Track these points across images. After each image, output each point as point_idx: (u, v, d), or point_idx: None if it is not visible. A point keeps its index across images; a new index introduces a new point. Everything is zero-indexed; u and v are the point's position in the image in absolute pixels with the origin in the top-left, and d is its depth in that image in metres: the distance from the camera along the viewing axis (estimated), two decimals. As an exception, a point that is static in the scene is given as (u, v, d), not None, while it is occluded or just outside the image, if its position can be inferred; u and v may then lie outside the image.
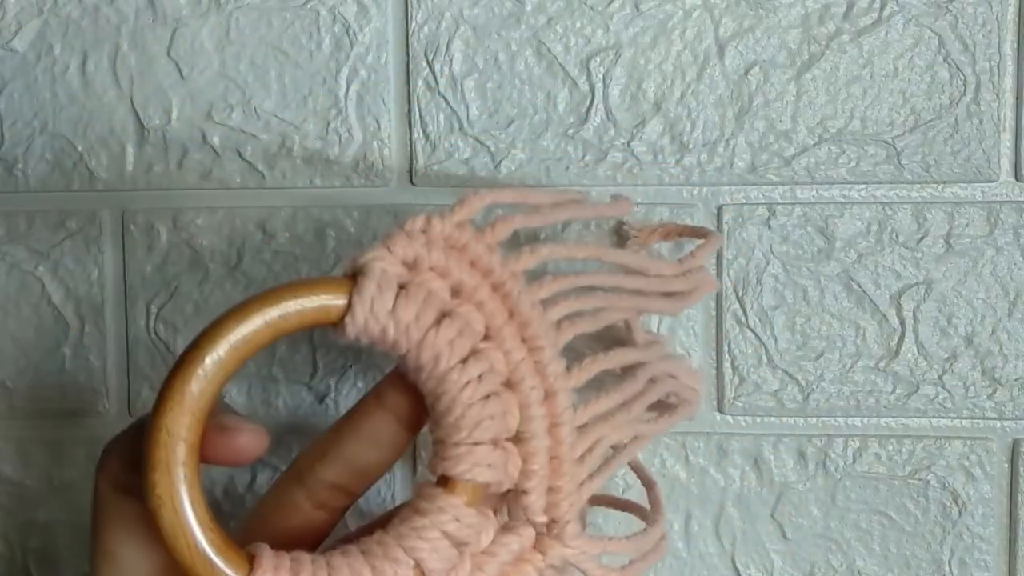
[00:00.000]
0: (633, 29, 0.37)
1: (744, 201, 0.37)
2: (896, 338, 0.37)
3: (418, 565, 0.27)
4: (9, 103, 0.38)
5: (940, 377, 0.37)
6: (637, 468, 0.36)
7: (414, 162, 0.38)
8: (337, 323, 0.26)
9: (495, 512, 0.29)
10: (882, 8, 0.36)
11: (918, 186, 0.37)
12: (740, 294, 0.37)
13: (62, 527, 0.40)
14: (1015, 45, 0.36)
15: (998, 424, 0.37)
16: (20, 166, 0.39)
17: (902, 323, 0.37)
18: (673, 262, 0.34)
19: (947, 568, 0.38)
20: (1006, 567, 0.38)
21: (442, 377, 0.27)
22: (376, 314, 0.26)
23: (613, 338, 0.35)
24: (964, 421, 0.37)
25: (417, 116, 0.37)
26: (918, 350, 0.37)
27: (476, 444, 0.27)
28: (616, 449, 0.32)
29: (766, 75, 0.37)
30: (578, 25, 0.37)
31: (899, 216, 0.37)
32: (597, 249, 0.32)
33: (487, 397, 0.27)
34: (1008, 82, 0.36)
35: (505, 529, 0.28)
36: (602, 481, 0.30)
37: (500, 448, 0.28)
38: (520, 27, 0.37)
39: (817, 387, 0.38)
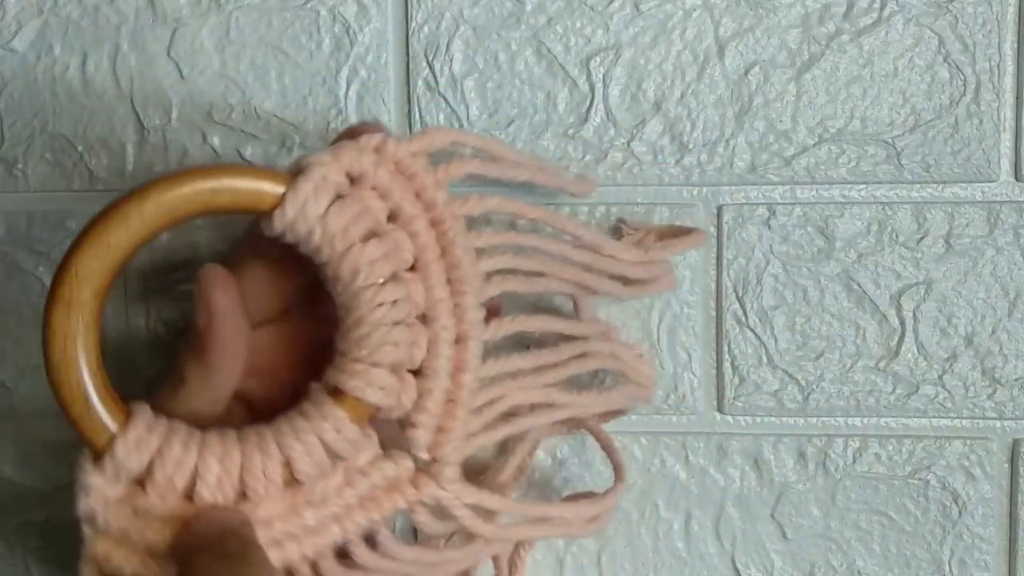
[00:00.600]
0: (633, 29, 0.37)
1: (744, 201, 0.37)
2: (896, 338, 0.37)
3: (288, 463, 0.27)
4: (9, 103, 0.38)
5: (940, 377, 0.37)
6: (608, 449, 0.35)
7: (414, 162, 0.38)
8: (267, 213, 0.27)
9: (384, 443, 0.29)
10: (882, 8, 0.36)
11: (918, 186, 0.37)
12: (740, 294, 0.37)
13: (62, 527, 0.40)
14: (1015, 45, 0.36)
15: (998, 424, 0.37)
16: (20, 166, 0.39)
17: (902, 323, 0.37)
18: (636, 249, 0.34)
19: (947, 568, 0.38)
20: (1006, 567, 0.38)
21: (357, 293, 0.27)
22: (306, 214, 0.26)
23: (556, 313, 0.35)
24: (964, 421, 0.37)
25: (417, 116, 0.37)
26: (918, 350, 0.37)
27: (374, 365, 0.27)
28: (520, 411, 0.32)
29: (766, 75, 0.37)
30: (578, 25, 0.37)
31: (899, 216, 0.37)
32: (550, 213, 0.32)
33: (397, 324, 0.27)
34: (1008, 82, 0.36)
35: (386, 456, 0.29)
36: (497, 437, 0.31)
37: (398, 376, 0.28)
38: (520, 27, 0.37)
39: (817, 387, 0.38)
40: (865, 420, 0.38)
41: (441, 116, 0.37)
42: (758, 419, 0.38)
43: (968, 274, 0.37)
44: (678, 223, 0.37)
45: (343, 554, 0.29)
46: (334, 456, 0.27)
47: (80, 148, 0.38)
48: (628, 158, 0.37)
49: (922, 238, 0.37)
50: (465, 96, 0.37)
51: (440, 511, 0.30)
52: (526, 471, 0.37)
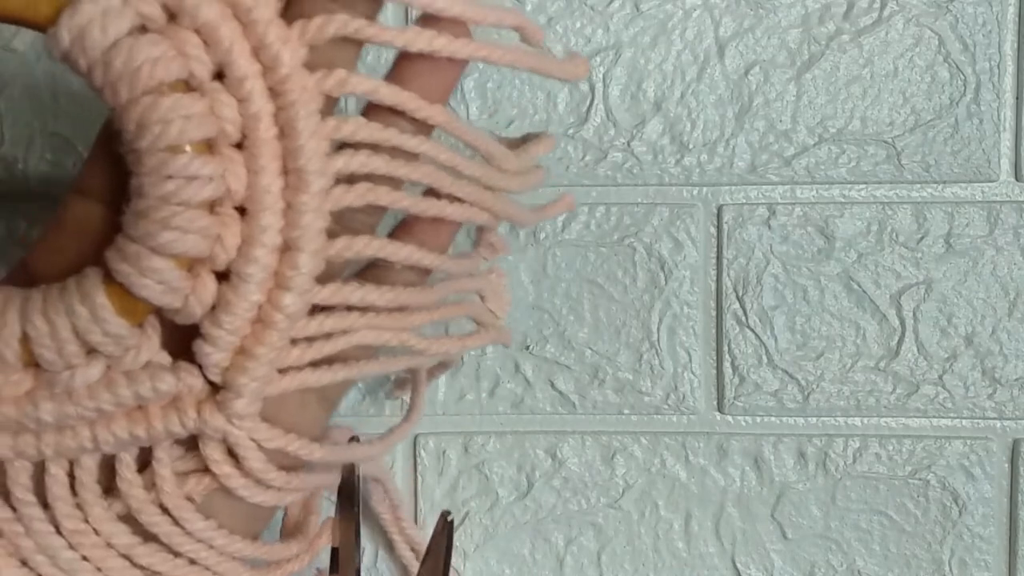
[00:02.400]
0: (633, 29, 0.37)
1: (744, 201, 0.37)
2: (896, 338, 0.37)
3: (26, 339, 0.22)
4: (9, 103, 0.38)
5: (940, 377, 0.37)
6: (416, 391, 0.32)
7: (414, 162, 0.38)
8: (44, 28, 0.21)
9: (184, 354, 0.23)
10: (882, 8, 0.36)
11: (918, 186, 0.37)
12: (740, 294, 0.37)
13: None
14: (1015, 45, 0.36)
15: (998, 424, 0.37)
16: (20, 166, 0.39)
17: (902, 323, 0.37)
18: (515, 157, 0.27)
19: (947, 568, 0.38)
20: (1006, 567, 0.38)
21: (142, 155, 0.21)
22: (85, 42, 0.20)
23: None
24: (964, 421, 0.37)
25: (417, 116, 0.37)
26: (918, 350, 0.37)
27: (153, 251, 0.21)
28: (363, 352, 0.26)
29: (766, 75, 0.37)
30: (578, 25, 0.37)
31: (899, 216, 0.37)
32: (447, 114, 0.24)
33: (196, 207, 0.21)
34: (1008, 82, 0.36)
35: (170, 366, 0.23)
36: (328, 379, 0.25)
37: (191, 273, 0.22)
38: (520, 27, 0.37)
39: (817, 387, 0.38)
40: (865, 420, 0.38)
41: (441, 116, 0.37)
42: (758, 419, 0.38)
43: (968, 274, 0.37)
44: (678, 223, 0.37)
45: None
46: (87, 347, 0.22)
47: (80, 148, 0.38)
48: (628, 158, 0.37)
49: (922, 238, 0.37)
50: (464, 96, 0.37)
51: (237, 453, 0.24)
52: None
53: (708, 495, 0.38)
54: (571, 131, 0.37)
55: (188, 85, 0.21)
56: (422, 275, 0.26)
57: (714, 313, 0.38)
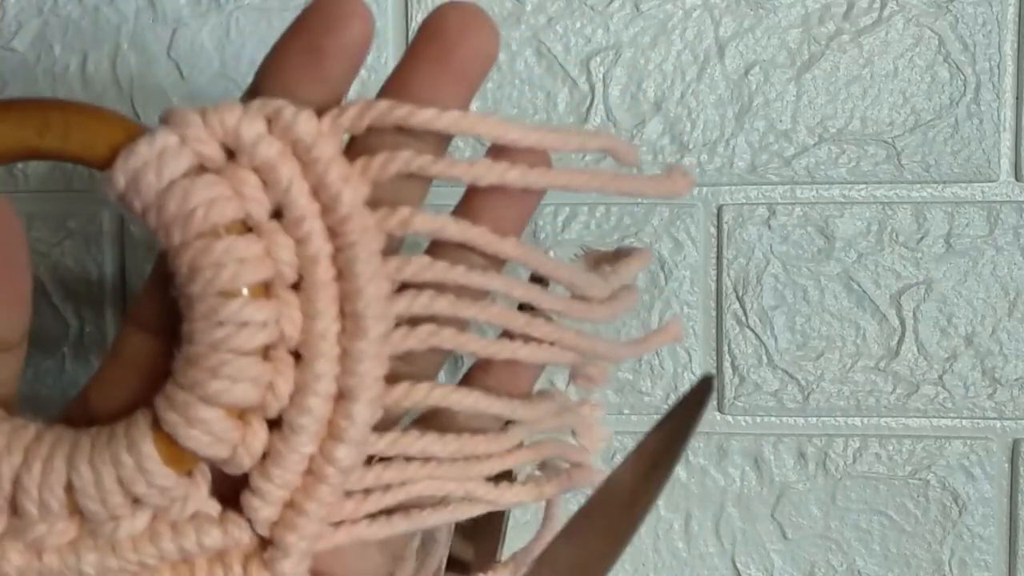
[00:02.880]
0: (633, 29, 0.37)
1: (744, 201, 0.37)
2: (896, 338, 0.37)
3: (71, 487, 0.21)
4: (9, 103, 0.38)
5: (940, 377, 0.37)
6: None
7: (414, 162, 0.38)
8: (102, 168, 0.20)
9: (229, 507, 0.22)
10: (882, 8, 0.36)
11: (918, 186, 0.37)
12: (740, 294, 0.37)
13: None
14: (1015, 45, 0.36)
15: (998, 424, 0.37)
16: (20, 166, 0.39)
17: (902, 323, 0.37)
18: (603, 282, 0.25)
19: (947, 568, 0.38)
20: (1006, 567, 0.38)
21: (192, 300, 0.20)
22: (140, 185, 0.20)
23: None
24: (964, 421, 0.37)
25: (417, 116, 0.37)
26: (918, 350, 0.37)
27: (202, 401, 0.20)
28: (424, 505, 0.24)
29: (766, 75, 0.37)
30: (578, 25, 0.37)
31: (899, 216, 0.37)
32: (522, 247, 0.22)
33: (249, 354, 0.20)
34: (1008, 82, 0.36)
35: (220, 518, 0.22)
36: (385, 532, 0.23)
37: (241, 422, 0.21)
38: (520, 27, 0.37)
39: (817, 387, 0.38)
40: (865, 420, 0.38)
41: (441, 116, 0.37)
42: (758, 419, 0.38)
43: (968, 274, 0.37)
44: (678, 223, 0.37)
45: None
46: (132, 497, 0.21)
47: (80, 148, 0.38)
48: (628, 158, 0.37)
49: (922, 238, 0.37)
50: (465, 96, 0.37)
51: None
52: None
53: (708, 495, 0.38)
54: (571, 131, 0.37)
55: (244, 225, 0.20)
56: (494, 421, 0.24)
57: (714, 313, 0.38)
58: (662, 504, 0.38)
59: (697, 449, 0.38)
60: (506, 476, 0.25)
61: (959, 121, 0.36)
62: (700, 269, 0.37)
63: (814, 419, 0.38)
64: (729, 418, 0.38)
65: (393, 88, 0.21)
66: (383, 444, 0.22)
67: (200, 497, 0.22)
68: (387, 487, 0.23)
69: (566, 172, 0.22)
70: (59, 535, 0.21)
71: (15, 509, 0.21)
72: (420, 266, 0.21)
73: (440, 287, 0.21)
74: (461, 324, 0.22)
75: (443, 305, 0.21)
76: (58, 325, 0.39)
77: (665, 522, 0.38)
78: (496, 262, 0.22)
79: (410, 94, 0.20)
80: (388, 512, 0.23)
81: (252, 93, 0.21)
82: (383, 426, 0.22)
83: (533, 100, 0.37)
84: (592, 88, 0.37)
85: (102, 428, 0.22)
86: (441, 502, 0.24)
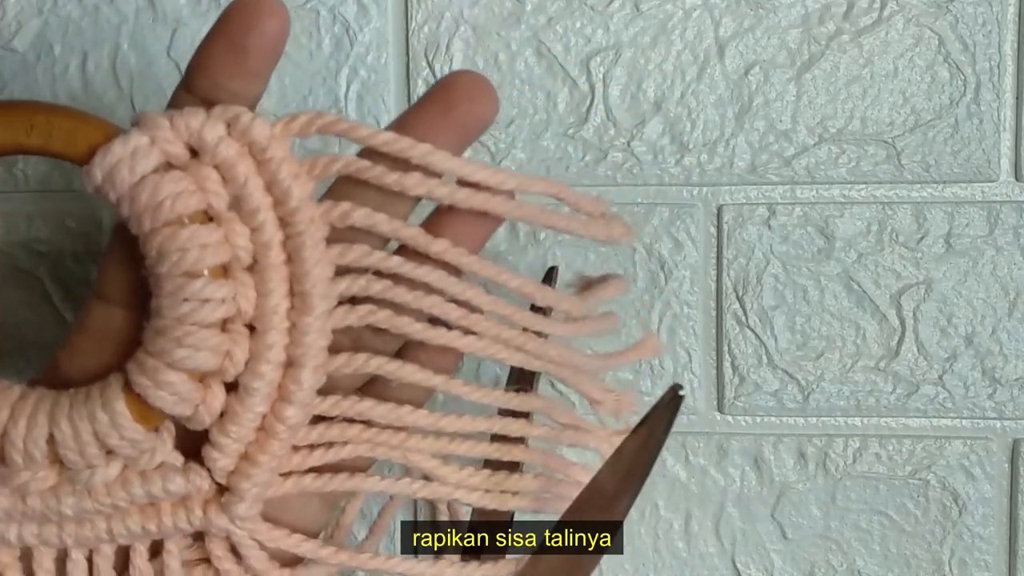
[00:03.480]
0: (633, 29, 0.37)
1: (744, 201, 0.37)
2: (896, 338, 0.37)
3: (52, 440, 0.24)
4: (9, 103, 0.38)
5: (940, 377, 0.37)
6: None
7: (414, 162, 0.38)
8: (82, 164, 0.24)
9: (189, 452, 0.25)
10: (882, 8, 0.36)
11: (918, 186, 0.37)
12: (740, 294, 0.37)
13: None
14: (1015, 45, 0.36)
15: (998, 424, 0.37)
16: (20, 166, 0.39)
17: (902, 323, 0.37)
18: (574, 299, 0.28)
19: (947, 568, 0.38)
20: (1006, 567, 0.38)
21: (160, 280, 0.23)
22: (115, 179, 0.23)
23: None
24: (964, 421, 0.37)
25: (417, 116, 0.37)
26: (918, 350, 0.37)
27: (169, 366, 0.23)
28: (366, 464, 0.27)
29: (766, 75, 0.37)
30: (578, 25, 0.37)
31: (899, 216, 0.37)
32: (468, 257, 0.25)
33: (208, 326, 0.23)
34: (1008, 82, 0.36)
35: (182, 468, 0.25)
36: (328, 487, 0.26)
37: (202, 384, 0.24)
38: (520, 27, 0.37)
39: (817, 387, 0.38)
40: (865, 420, 0.38)
41: (441, 116, 0.37)
42: (758, 419, 0.38)
43: (968, 274, 0.37)
44: (678, 223, 0.37)
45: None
46: (106, 449, 0.24)
47: (80, 148, 0.38)
48: (628, 158, 0.37)
49: (922, 238, 0.37)
50: (465, 96, 0.37)
51: (247, 554, 0.26)
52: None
53: (708, 495, 0.38)
54: (571, 131, 0.37)
55: (206, 215, 0.23)
56: (428, 396, 0.27)
57: (714, 313, 0.38)
58: (662, 504, 0.38)
59: (697, 449, 0.38)
60: (515, 468, 0.28)
61: (959, 121, 0.36)
62: (700, 269, 0.37)
63: (814, 419, 0.38)
64: (729, 418, 0.38)
65: (393, 125, 0.24)
66: (326, 405, 0.25)
67: (166, 450, 0.25)
68: (329, 445, 0.26)
69: (522, 205, 0.25)
70: (41, 481, 0.24)
71: (2, 458, 0.24)
72: (360, 253, 0.24)
73: (381, 273, 0.24)
74: (400, 308, 0.25)
75: (379, 288, 0.24)
76: (58, 325, 0.39)
77: (665, 522, 0.38)
78: (448, 268, 0.25)
79: (404, 132, 0.23)
80: (332, 470, 0.26)
81: (184, 86, 0.24)
82: (328, 390, 0.25)
83: (533, 100, 0.37)
84: (592, 88, 0.37)
85: (79, 389, 0.24)
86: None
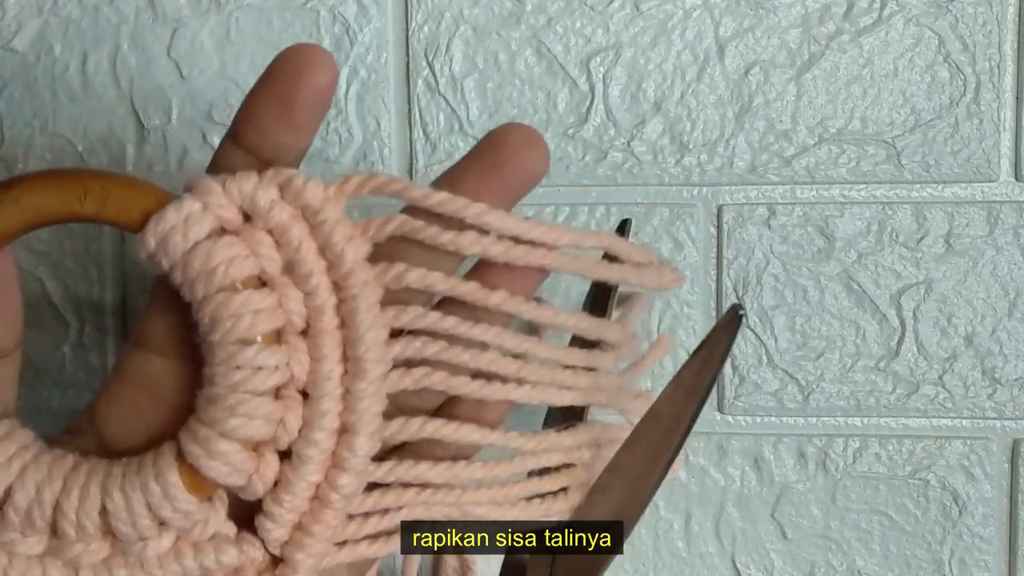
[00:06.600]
0: (633, 29, 0.37)
1: (744, 201, 0.37)
2: (896, 338, 0.37)
3: (104, 511, 0.23)
4: (9, 103, 0.38)
5: (940, 377, 0.37)
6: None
7: (414, 162, 0.38)
8: (135, 231, 0.23)
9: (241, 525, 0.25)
10: (882, 8, 0.36)
11: (918, 186, 0.37)
12: (740, 294, 0.37)
13: None
14: (1015, 45, 0.36)
15: (998, 424, 0.37)
16: (20, 166, 0.39)
17: (902, 323, 0.37)
18: (621, 327, 0.28)
19: (947, 568, 0.38)
20: (1006, 567, 0.38)
21: (214, 347, 0.23)
22: (168, 246, 0.22)
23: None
24: (964, 421, 0.37)
25: (417, 116, 0.37)
26: (918, 350, 0.37)
27: (222, 436, 0.23)
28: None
29: (766, 75, 0.37)
30: (578, 25, 0.37)
31: (899, 216, 0.37)
32: (527, 304, 0.24)
33: (262, 394, 0.23)
34: (1008, 82, 0.36)
35: (236, 538, 0.25)
36: (381, 551, 0.26)
37: (256, 454, 0.24)
38: (520, 27, 0.37)
39: (817, 387, 0.38)
40: (865, 420, 0.38)
41: (441, 116, 0.37)
42: (758, 419, 0.38)
43: (968, 274, 0.37)
44: (678, 223, 0.37)
45: None
46: (159, 520, 0.24)
47: (80, 148, 0.38)
48: (628, 158, 0.37)
49: (922, 238, 0.37)
50: (465, 96, 0.37)
51: None
52: None
53: (708, 495, 0.38)
54: (571, 131, 0.37)
55: (259, 280, 0.23)
56: (476, 450, 0.26)
57: (714, 313, 0.38)
58: (662, 504, 0.38)
59: (697, 449, 0.38)
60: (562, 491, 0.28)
61: (959, 121, 0.36)
62: (700, 269, 0.38)
63: (814, 419, 0.38)
64: (729, 418, 0.38)
65: (443, 182, 0.23)
66: (381, 472, 0.25)
67: (219, 520, 0.24)
68: (385, 511, 0.25)
69: (565, 257, 0.24)
70: (94, 554, 0.24)
71: (55, 531, 0.24)
72: (414, 315, 0.24)
73: (435, 335, 0.24)
74: (456, 368, 0.24)
75: (435, 350, 0.24)
76: (58, 325, 0.39)
77: (665, 522, 0.39)
78: (500, 318, 0.24)
79: (455, 189, 0.23)
80: (386, 534, 0.25)
81: (230, 137, 0.23)
82: (381, 456, 0.25)
83: (533, 100, 0.37)
84: (592, 88, 0.37)
85: (131, 459, 0.24)
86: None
